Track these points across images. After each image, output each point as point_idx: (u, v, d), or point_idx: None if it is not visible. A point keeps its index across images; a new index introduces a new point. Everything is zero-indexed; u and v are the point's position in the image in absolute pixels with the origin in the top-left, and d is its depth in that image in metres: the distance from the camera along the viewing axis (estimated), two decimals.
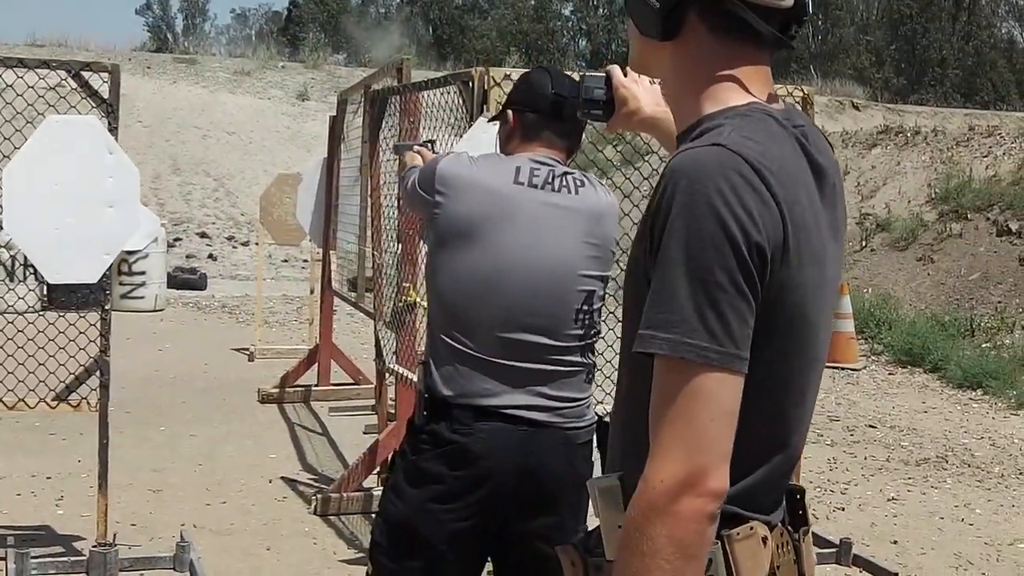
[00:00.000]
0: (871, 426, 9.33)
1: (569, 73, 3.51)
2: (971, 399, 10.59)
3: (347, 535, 6.09)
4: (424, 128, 6.35)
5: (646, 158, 6.46)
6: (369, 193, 7.09)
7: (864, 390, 10.92)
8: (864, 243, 15.37)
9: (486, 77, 5.09)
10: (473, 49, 47.97)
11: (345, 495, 6.44)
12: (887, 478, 7.73)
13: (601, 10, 55.33)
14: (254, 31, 57.95)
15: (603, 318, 3.39)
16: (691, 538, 1.58)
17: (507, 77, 5.14)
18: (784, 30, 1.78)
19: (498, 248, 3.17)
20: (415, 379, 6.05)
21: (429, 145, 3.43)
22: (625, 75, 2.47)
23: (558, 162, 3.31)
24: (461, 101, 5.36)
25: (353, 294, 8.70)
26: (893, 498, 7.26)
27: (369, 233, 7.24)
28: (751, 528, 1.73)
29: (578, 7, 56.43)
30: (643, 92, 2.47)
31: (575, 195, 3.25)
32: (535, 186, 3.22)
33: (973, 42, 63.29)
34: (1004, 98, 55.67)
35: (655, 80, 2.25)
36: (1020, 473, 8.00)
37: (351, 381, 9.74)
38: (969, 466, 8.17)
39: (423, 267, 3.55)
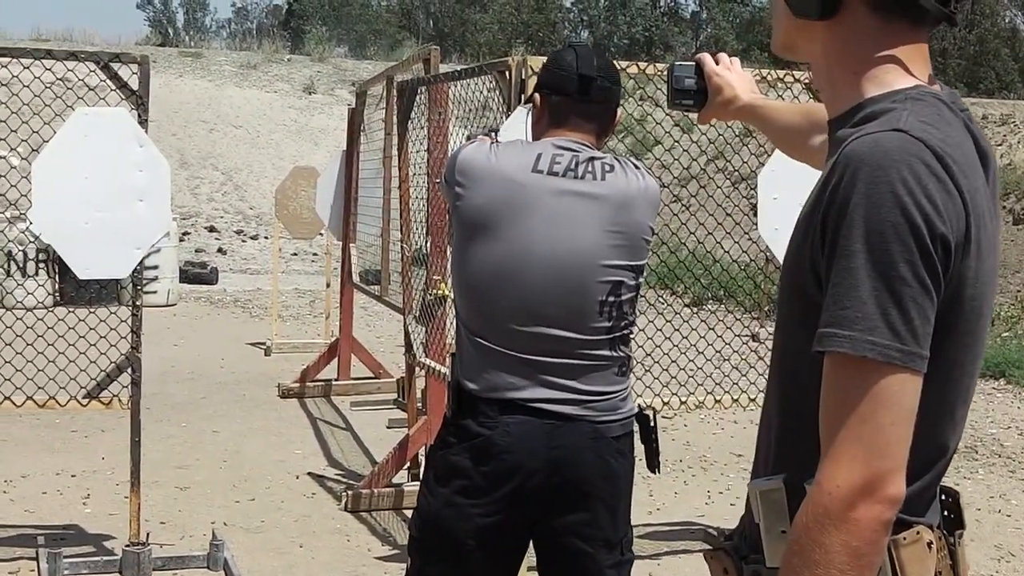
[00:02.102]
0: None
1: (601, 51, 3.36)
2: (995, 388, 10.51)
3: (380, 531, 6.02)
4: (455, 120, 6.29)
5: (652, 150, 6.33)
6: (399, 185, 7.01)
7: None
8: None
9: (524, 66, 5.01)
10: (476, 42, 47.83)
11: (376, 491, 6.38)
12: None
13: (602, 1, 55.17)
14: (255, 25, 57.82)
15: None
16: (867, 547, 1.51)
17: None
18: (945, 3, 1.68)
19: (514, 240, 3.06)
20: (446, 372, 6.00)
21: (492, 135, 3.34)
22: (717, 63, 2.40)
23: (585, 146, 3.16)
24: (498, 91, 5.28)
25: (375, 287, 8.64)
26: None
27: (399, 225, 7.16)
28: (917, 533, 1.66)
29: None
30: (737, 79, 2.40)
31: (601, 181, 3.11)
32: (555, 173, 3.09)
33: (976, 31, 63.12)
34: (1008, 87, 55.53)
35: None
36: None
37: (371, 375, 9.68)
38: (1000, 456, 8.11)
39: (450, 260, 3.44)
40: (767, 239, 5.33)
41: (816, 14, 1.70)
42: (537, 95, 3.25)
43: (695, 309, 10.74)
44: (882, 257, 1.51)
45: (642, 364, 5.57)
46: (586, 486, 3.11)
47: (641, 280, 3.20)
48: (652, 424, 3.28)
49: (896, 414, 1.51)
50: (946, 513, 1.79)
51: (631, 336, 3.22)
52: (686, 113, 2.58)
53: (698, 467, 7.52)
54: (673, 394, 5.63)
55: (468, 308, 3.16)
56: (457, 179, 3.13)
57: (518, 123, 4.90)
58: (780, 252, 5.31)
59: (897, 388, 1.51)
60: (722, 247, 6.14)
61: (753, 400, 5.69)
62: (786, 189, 5.25)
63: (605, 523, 3.15)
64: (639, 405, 3.28)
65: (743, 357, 6.30)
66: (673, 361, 5.78)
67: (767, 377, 1.83)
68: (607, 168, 3.13)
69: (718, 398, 5.73)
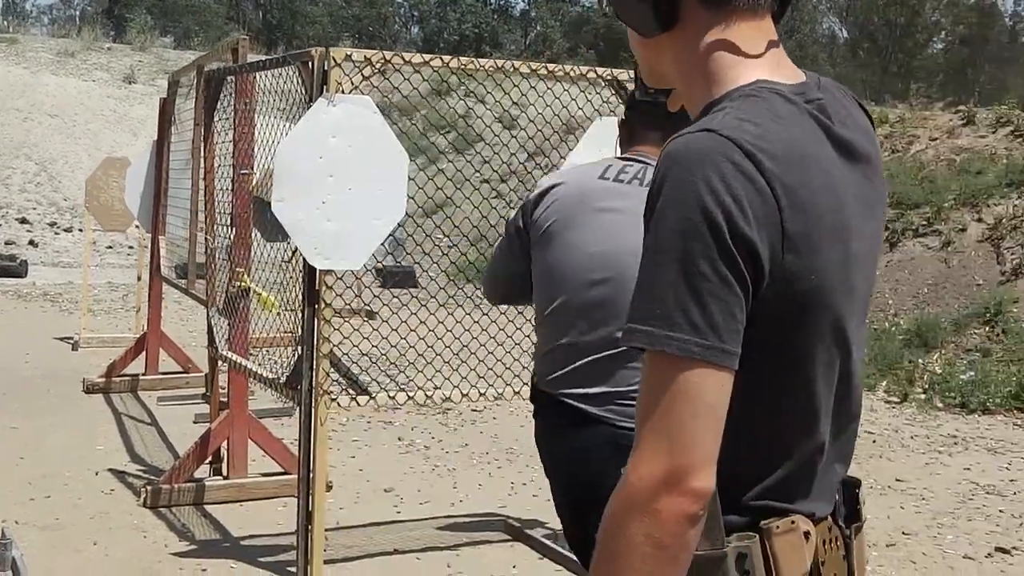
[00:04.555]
0: None
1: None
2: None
3: (178, 527, 5.94)
4: (260, 111, 6.24)
5: (477, 147, 6.38)
6: (202, 176, 6.92)
7: None
8: None
9: (327, 57, 5.00)
10: (305, 35, 47.34)
11: (176, 486, 6.29)
12: None
13: None
14: (78, 12, 56.22)
15: None
16: (669, 539, 1.50)
17: (348, 58, 5.07)
18: None
19: (571, 240, 3.22)
20: (248, 366, 5.96)
21: None
22: None
23: (652, 160, 3.19)
24: (300, 82, 5.26)
25: (183, 280, 8.51)
26: None
27: (202, 217, 7.07)
28: (792, 522, 1.68)
29: None
30: None
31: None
32: (620, 181, 3.23)
33: (796, 36, 64.95)
34: None
35: None
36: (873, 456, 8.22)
37: (180, 370, 9.54)
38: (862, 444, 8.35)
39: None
40: None
41: (658, 29, 1.71)
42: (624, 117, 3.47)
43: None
44: (683, 254, 1.51)
45: (458, 356, 5.64)
46: (597, 489, 3.06)
47: None
48: None
49: (696, 408, 1.50)
50: (854, 505, 1.82)
51: None
52: (655, 99, 2.54)
53: (504, 459, 7.60)
54: (490, 385, 5.64)
55: (537, 307, 3.34)
56: (536, 201, 3.32)
57: (320, 115, 4.93)
58: None
59: (697, 382, 1.50)
60: None
61: None
62: None
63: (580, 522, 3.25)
64: None
65: None
66: (490, 352, 5.81)
67: None
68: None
69: (516, 390, 5.74)
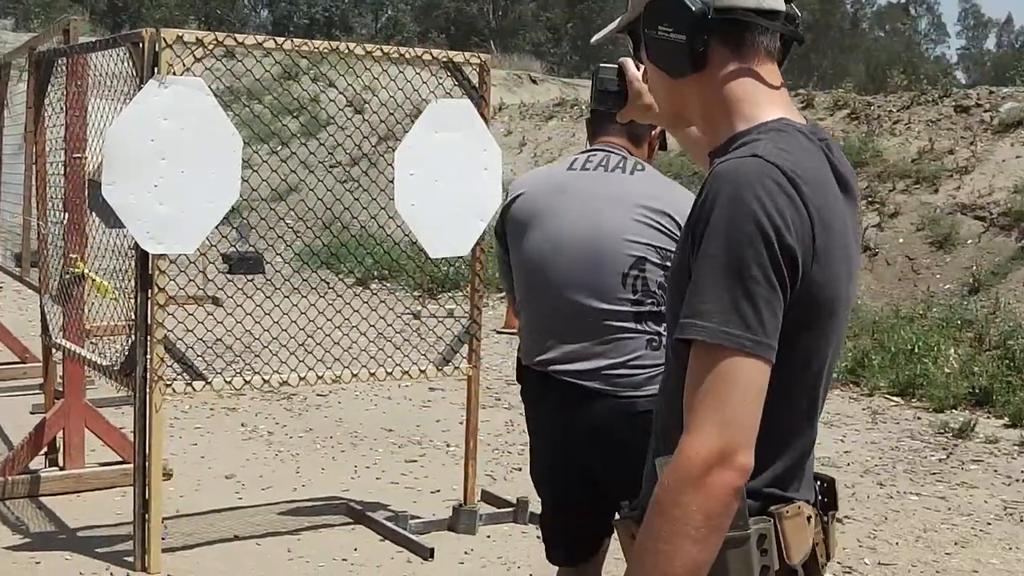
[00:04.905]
0: None
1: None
2: None
3: (12, 520, 5.81)
4: (93, 94, 6.12)
5: (327, 131, 6.38)
6: (34, 161, 6.76)
7: None
8: None
9: (157, 39, 4.94)
10: (151, 18, 46.45)
11: (10, 479, 6.13)
12: None
13: None
14: None
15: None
16: (719, 508, 1.71)
17: (179, 39, 5.02)
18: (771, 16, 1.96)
19: (550, 226, 3.51)
20: (84, 354, 5.85)
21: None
22: (638, 68, 2.58)
23: (615, 150, 3.57)
24: (132, 64, 5.18)
25: (18, 268, 8.30)
26: None
27: (34, 203, 6.91)
28: (799, 508, 1.91)
29: None
30: None
31: (630, 175, 3.51)
32: (587, 169, 3.55)
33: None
34: None
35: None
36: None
37: (16, 360, 9.31)
38: None
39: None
40: (404, 215, 5.41)
41: (691, 69, 1.95)
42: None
43: (360, 289, 10.79)
44: (738, 261, 1.74)
45: (304, 347, 5.62)
46: (612, 455, 3.43)
47: (666, 264, 3.40)
48: None
49: (746, 394, 1.73)
50: (822, 497, 2.05)
51: (662, 316, 3.38)
52: (608, 110, 2.76)
53: (348, 443, 7.60)
54: (346, 367, 5.62)
55: (520, 293, 3.67)
56: (508, 201, 3.68)
57: (151, 97, 4.86)
58: (417, 227, 5.44)
59: (747, 372, 1.73)
60: (392, 224, 6.10)
61: (410, 374, 5.76)
62: (422, 166, 5.37)
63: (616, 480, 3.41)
64: None
65: (418, 334, 6.41)
66: (335, 342, 5.80)
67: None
68: (638, 168, 3.54)
69: (389, 369, 5.72)
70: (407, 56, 5.45)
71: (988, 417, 9.04)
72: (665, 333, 3.19)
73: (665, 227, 3.43)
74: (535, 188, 3.62)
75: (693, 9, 1.91)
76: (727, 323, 1.73)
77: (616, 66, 2.65)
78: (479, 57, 5.66)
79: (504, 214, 3.70)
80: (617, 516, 2.12)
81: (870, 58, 69.44)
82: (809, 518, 1.93)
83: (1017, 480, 7.40)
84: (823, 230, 1.83)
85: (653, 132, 3.64)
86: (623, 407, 3.38)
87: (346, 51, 5.40)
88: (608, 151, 3.57)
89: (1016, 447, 8.22)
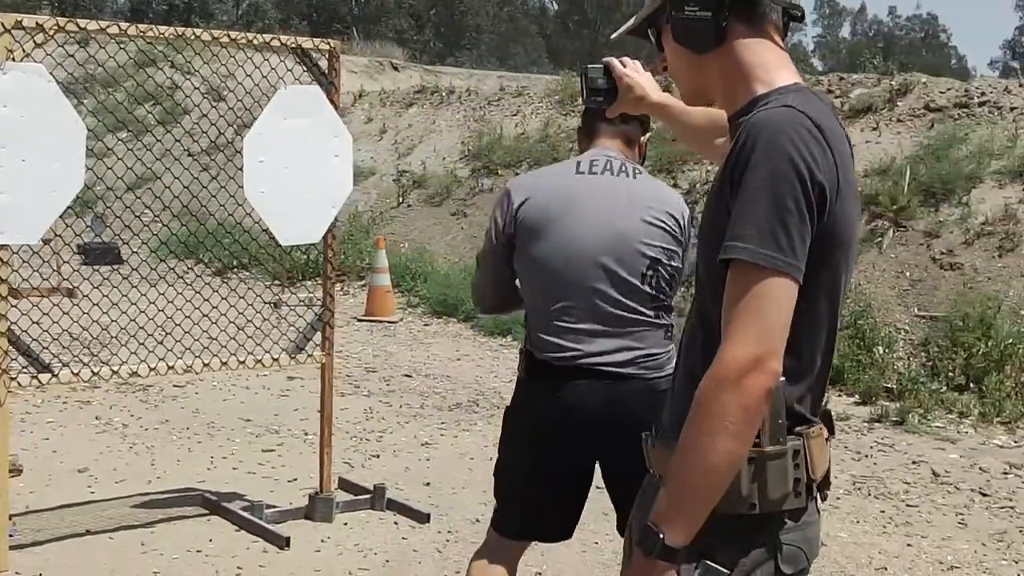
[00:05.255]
0: (407, 375, 9.63)
1: None
2: (501, 345, 11.12)
3: None
4: None
5: (183, 120, 6.27)
6: None
7: (401, 341, 11.24)
8: (401, 199, 15.79)
9: None
10: (2, 4, 45.20)
11: None
12: (421, 424, 8.01)
13: None
14: None
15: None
16: (753, 406, 1.98)
17: (19, 24, 4.89)
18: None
19: (569, 228, 3.70)
20: None
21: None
22: (623, 65, 2.89)
23: (614, 155, 3.82)
24: None
25: None
26: (426, 443, 7.53)
27: None
28: (820, 429, 2.18)
29: None
30: (644, 79, 2.91)
31: (634, 179, 3.78)
32: (595, 173, 3.77)
33: (508, 9, 65.99)
34: (536, 62, 58.42)
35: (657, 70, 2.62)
36: None
37: None
38: (499, 408, 8.53)
39: None
40: (253, 202, 5.35)
41: (715, 44, 2.23)
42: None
43: (220, 278, 10.67)
44: (775, 193, 2.01)
45: (159, 337, 5.54)
46: (641, 427, 3.47)
47: (678, 266, 3.79)
48: None
49: (778, 308, 2.00)
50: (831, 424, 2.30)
51: (672, 308, 3.83)
52: (600, 107, 2.99)
53: (204, 433, 7.51)
54: (197, 356, 5.54)
55: (535, 291, 3.77)
56: (512, 201, 3.77)
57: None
58: (267, 214, 5.39)
59: (779, 289, 2.00)
60: (251, 217, 6.01)
61: (263, 362, 5.71)
62: (272, 152, 5.32)
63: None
64: None
65: (271, 323, 6.35)
66: (204, 330, 5.72)
67: (690, 311, 2.31)
68: (637, 172, 3.81)
69: (242, 358, 5.65)
70: (255, 42, 5.40)
71: (840, 395, 9.28)
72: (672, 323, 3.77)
73: (670, 226, 3.77)
74: (544, 192, 3.79)
75: None
76: (763, 245, 1.98)
77: (602, 65, 2.91)
78: (328, 43, 5.63)
79: (512, 217, 3.79)
80: (650, 440, 2.37)
81: None
82: (827, 439, 2.20)
83: (866, 456, 7.62)
84: (843, 172, 2.11)
85: (644, 137, 3.96)
86: (649, 386, 3.69)
87: (192, 37, 5.32)
88: (607, 155, 3.83)
89: (866, 424, 8.46)
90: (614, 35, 2.61)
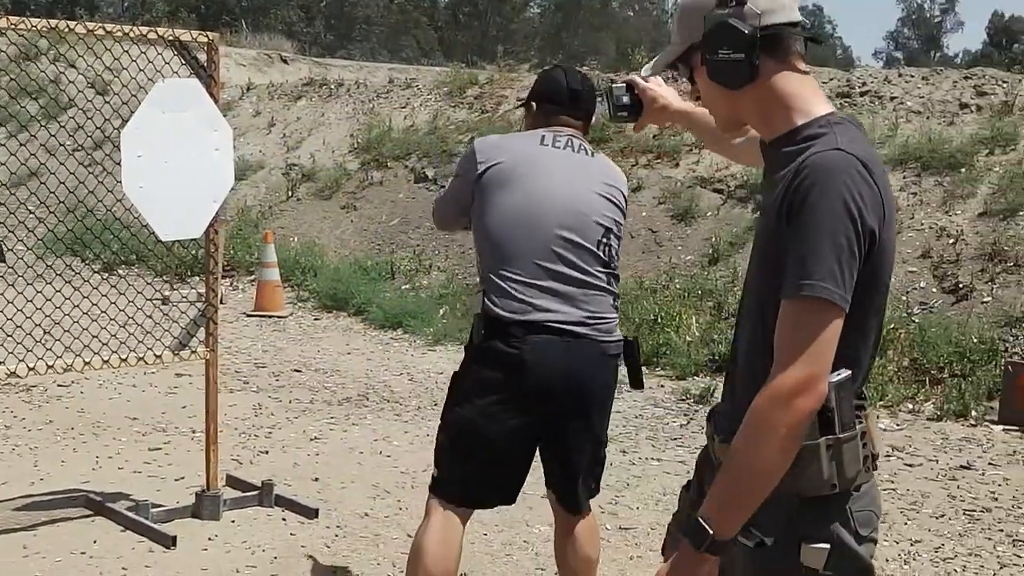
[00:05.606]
0: (297, 370, 9.56)
1: (579, 70, 4.48)
2: (392, 338, 11.08)
3: None
4: None
5: (69, 113, 6.19)
6: None
7: (291, 336, 11.15)
8: (290, 193, 15.65)
9: None
10: None
11: None
12: (311, 419, 7.96)
13: None
14: None
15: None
16: (799, 426, 2.24)
17: None
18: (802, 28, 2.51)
19: (533, 190, 3.96)
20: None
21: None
22: (645, 80, 3.19)
23: (573, 133, 4.16)
24: None
25: None
26: (316, 438, 7.48)
27: None
28: (868, 412, 2.45)
29: None
30: (666, 90, 3.23)
31: (591, 157, 4.14)
32: (558, 147, 4.08)
33: (398, 1, 65.69)
34: (428, 54, 58.28)
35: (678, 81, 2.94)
36: (434, 404, 8.45)
37: None
38: (389, 401, 8.56)
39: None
40: (132, 197, 5.26)
41: (750, 80, 2.44)
42: (533, 103, 4.26)
43: (106, 275, 10.48)
44: (832, 233, 2.24)
45: (43, 336, 5.42)
46: (591, 394, 4.04)
47: (620, 236, 4.13)
48: (637, 349, 4.17)
49: (829, 337, 2.25)
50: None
51: (619, 278, 4.14)
52: (625, 124, 3.32)
53: (90, 433, 7.38)
54: (77, 355, 5.43)
55: (494, 249, 3.97)
56: (478, 159, 4.03)
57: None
58: (147, 209, 5.31)
59: (832, 320, 2.24)
60: (133, 212, 5.90)
61: (145, 360, 5.61)
62: (150, 147, 5.24)
63: (598, 424, 4.14)
64: (624, 335, 4.13)
65: (154, 320, 6.25)
66: (84, 328, 5.61)
67: (735, 331, 2.60)
68: (592, 152, 4.18)
69: (124, 356, 5.54)
70: (131, 35, 5.30)
71: None
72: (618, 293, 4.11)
73: (619, 201, 4.13)
74: (510, 152, 4.05)
75: (746, 32, 2.41)
76: (823, 280, 2.22)
77: (625, 84, 3.23)
78: (207, 36, 5.56)
79: (477, 164, 4.04)
80: (716, 439, 2.58)
81: (620, 37, 71.09)
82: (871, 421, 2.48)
83: None
84: (887, 203, 2.34)
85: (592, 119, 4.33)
86: (601, 349, 3.98)
87: (67, 30, 5.22)
88: (569, 134, 4.14)
89: None
90: (645, 71, 2.81)
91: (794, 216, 2.29)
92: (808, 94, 2.46)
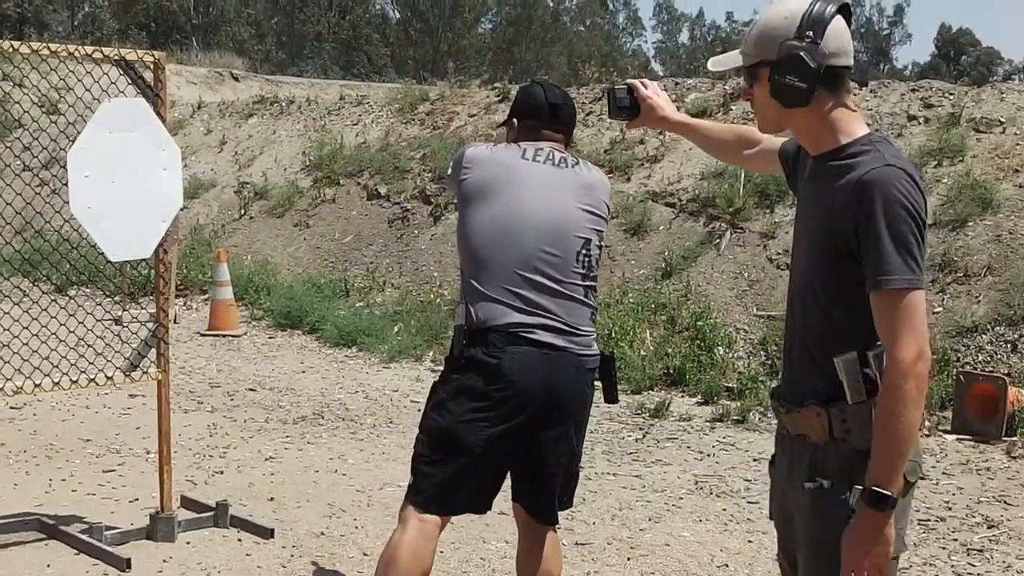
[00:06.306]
0: (251, 389, 9.52)
1: (558, 86, 4.60)
2: (347, 356, 11.05)
3: None
4: None
5: (16, 133, 6.11)
6: None
7: (245, 355, 11.09)
8: (243, 211, 15.59)
9: None
10: None
11: None
12: (266, 438, 7.92)
13: None
14: None
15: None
16: (923, 386, 2.71)
17: None
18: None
19: (513, 202, 4.05)
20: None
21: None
22: (645, 87, 3.61)
23: (556, 148, 4.25)
24: None
25: None
26: (271, 457, 7.44)
27: None
28: None
29: None
30: (663, 101, 3.60)
31: (571, 169, 4.20)
32: (539, 161, 4.16)
33: (349, 17, 65.66)
34: (380, 71, 58.27)
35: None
36: (390, 422, 8.46)
37: None
38: (344, 420, 8.54)
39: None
40: (80, 218, 5.23)
41: (803, 105, 2.85)
42: (515, 120, 4.33)
43: (57, 296, 10.39)
44: (904, 235, 2.72)
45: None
46: (568, 406, 4.12)
47: (601, 245, 4.22)
48: (614, 364, 4.28)
49: (922, 314, 2.72)
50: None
51: (596, 290, 4.23)
52: (622, 122, 3.71)
53: (43, 456, 7.31)
54: (27, 377, 5.38)
55: (475, 260, 4.06)
56: (464, 165, 4.15)
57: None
58: (95, 230, 5.27)
59: (919, 300, 2.72)
60: (83, 232, 5.82)
61: (96, 381, 5.56)
62: (97, 167, 5.22)
63: (574, 436, 4.21)
64: (600, 351, 4.22)
65: (106, 341, 6.21)
66: (34, 351, 5.55)
67: (788, 312, 3.05)
68: (574, 163, 4.24)
69: (74, 378, 5.50)
70: (76, 55, 5.28)
71: (682, 396, 9.44)
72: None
73: (600, 211, 4.20)
74: (492, 163, 4.16)
75: (813, 67, 2.80)
76: (905, 272, 2.70)
77: (627, 86, 3.57)
78: (153, 55, 5.54)
79: (462, 170, 4.17)
80: (783, 408, 3.01)
81: (571, 51, 71.34)
82: None
83: (708, 455, 7.77)
84: (927, 203, 2.80)
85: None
86: (579, 363, 4.08)
87: (11, 49, 5.17)
88: (550, 148, 4.23)
89: (707, 423, 8.62)
90: (713, 66, 3.03)
91: (867, 224, 2.74)
92: (851, 119, 2.89)
